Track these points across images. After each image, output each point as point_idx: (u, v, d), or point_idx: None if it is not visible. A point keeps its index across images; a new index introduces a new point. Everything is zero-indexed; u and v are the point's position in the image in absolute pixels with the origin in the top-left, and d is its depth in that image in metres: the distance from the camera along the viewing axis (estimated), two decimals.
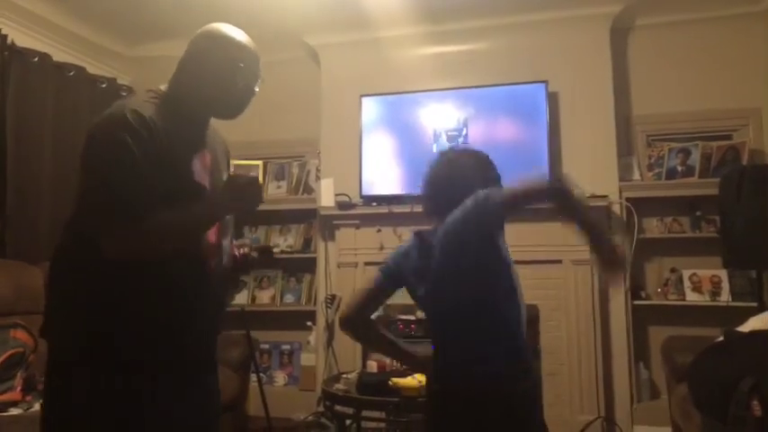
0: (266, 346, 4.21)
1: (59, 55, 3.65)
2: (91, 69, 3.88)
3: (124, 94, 4.00)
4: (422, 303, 1.65)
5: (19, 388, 2.42)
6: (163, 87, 1.43)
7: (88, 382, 1.28)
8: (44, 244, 3.23)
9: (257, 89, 1.46)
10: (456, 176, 1.61)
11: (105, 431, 1.28)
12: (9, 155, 3.19)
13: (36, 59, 3.42)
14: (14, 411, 2.32)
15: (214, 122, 1.52)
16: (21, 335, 2.56)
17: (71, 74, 3.68)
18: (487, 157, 1.67)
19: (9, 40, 3.26)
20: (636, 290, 3.63)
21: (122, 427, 1.28)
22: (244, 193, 1.35)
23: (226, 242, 1.50)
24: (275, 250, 4.18)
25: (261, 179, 1.27)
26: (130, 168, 1.25)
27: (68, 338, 1.32)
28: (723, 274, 3.48)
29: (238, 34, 1.45)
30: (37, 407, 2.34)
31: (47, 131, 3.46)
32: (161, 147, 1.29)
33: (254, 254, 1.61)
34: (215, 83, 1.40)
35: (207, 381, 1.52)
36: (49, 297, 1.38)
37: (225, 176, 1.50)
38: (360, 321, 1.69)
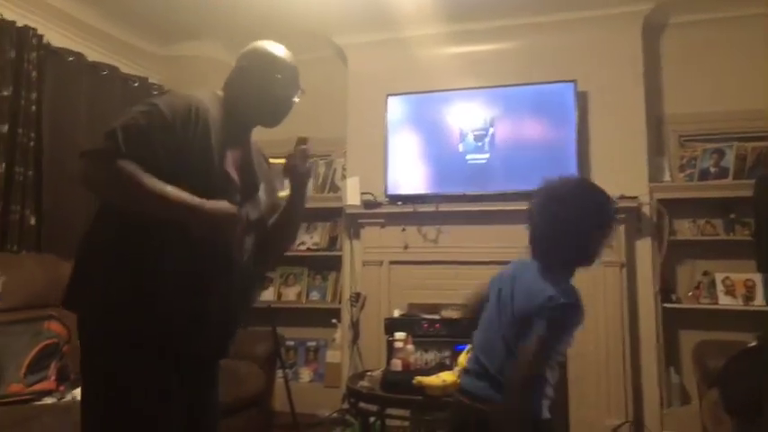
0: (292, 343, 4.25)
1: (93, 55, 3.74)
2: (124, 69, 3.96)
3: (155, 92, 4.07)
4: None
5: (53, 378, 2.49)
6: (219, 92, 1.59)
7: (111, 356, 1.35)
8: (76, 238, 3.30)
9: (297, 99, 1.63)
10: (561, 220, 1.54)
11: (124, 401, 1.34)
12: (45, 152, 3.27)
13: (71, 59, 3.51)
14: (49, 400, 2.38)
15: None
16: (55, 326, 2.63)
17: (105, 73, 3.76)
18: (604, 199, 1.59)
19: (45, 40, 3.35)
20: (667, 293, 3.56)
21: (139, 399, 1.34)
22: (220, 220, 1.36)
23: (249, 240, 1.55)
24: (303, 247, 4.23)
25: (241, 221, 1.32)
26: (151, 126, 1.34)
27: (92, 312, 1.39)
28: (757, 278, 3.38)
29: (278, 50, 1.61)
30: (70, 396, 2.40)
31: (81, 129, 3.54)
32: (202, 136, 1.40)
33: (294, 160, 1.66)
34: (257, 93, 1.56)
35: (214, 371, 1.60)
36: (75, 270, 1.43)
37: (278, 181, 1.66)
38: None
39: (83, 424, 1.36)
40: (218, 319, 1.47)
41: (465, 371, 1.66)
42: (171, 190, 1.32)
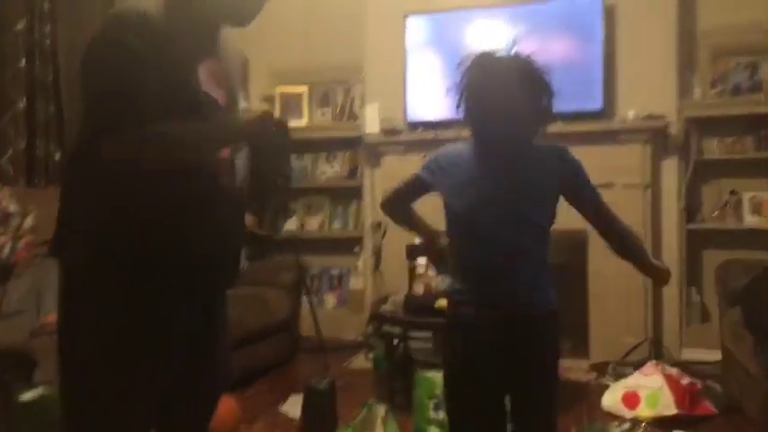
0: (316, 271, 4.34)
1: None
2: None
3: None
4: (465, 216, 1.49)
5: None
6: None
7: (101, 296, 1.23)
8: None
9: None
10: (503, 95, 1.44)
11: (112, 343, 1.22)
12: (63, 85, 3.27)
13: None
14: None
15: (230, 33, 1.38)
16: None
17: None
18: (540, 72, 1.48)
19: None
20: (691, 213, 3.51)
21: (130, 340, 1.22)
22: (268, 130, 1.25)
23: (239, 161, 1.38)
24: (322, 177, 4.22)
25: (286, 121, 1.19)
26: (134, 70, 1.16)
27: (79, 253, 1.26)
28: None
29: None
30: None
31: None
32: (161, 49, 1.17)
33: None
34: None
35: (217, 312, 1.40)
36: (60, 211, 1.30)
37: (240, 93, 1.41)
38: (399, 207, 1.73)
39: (61, 382, 1.25)
40: (217, 236, 1.31)
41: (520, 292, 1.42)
42: (204, 128, 1.22)
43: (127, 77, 1.15)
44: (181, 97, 1.20)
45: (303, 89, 4.27)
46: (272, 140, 1.27)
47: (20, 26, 3.04)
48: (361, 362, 3.52)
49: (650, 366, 2.72)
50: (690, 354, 3.42)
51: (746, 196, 3.43)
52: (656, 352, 3.39)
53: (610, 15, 3.50)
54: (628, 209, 3.41)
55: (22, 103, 3.05)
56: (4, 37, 3.01)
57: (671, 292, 3.47)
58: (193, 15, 1.26)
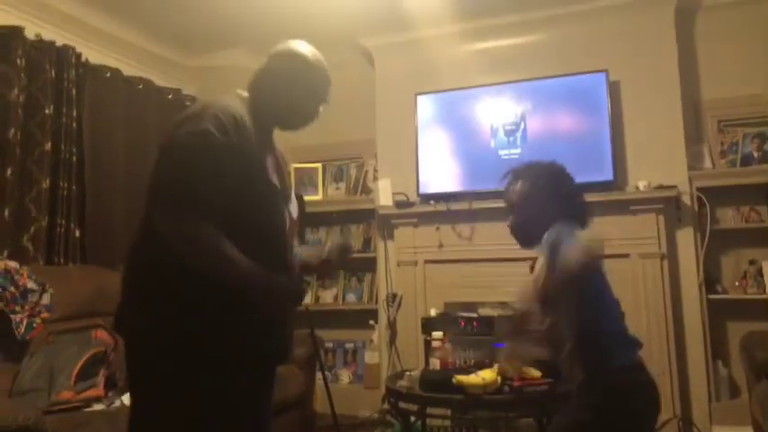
0: (330, 345, 4.28)
1: (128, 69, 3.85)
2: (158, 81, 4.07)
3: (189, 103, 4.17)
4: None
5: (102, 385, 2.56)
6: (243, 93, 1.54)
7: (173, 374, 1.32)
8: (120, 249, 3.41)
9: (321, 110, 1.60)
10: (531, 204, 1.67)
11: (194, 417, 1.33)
12: (87, 165, 3.39)
13: (108, 75, 3.62)
14: (98, 407, 2.45)
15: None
16: (102, 335, 2.71)
17: (140, 87, 3.87)
18: (560, 169, 1.74)
19: (83, 58, 3.47)
20: (711, 284, 3.45)
21: (212, 414, 1.33)
22: (288, 300, 1.47)
23: (297, 248, 1.57)
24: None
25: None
26: (211, 163, 1.31)
27: (147, 333, 1.36)
28: None
29: (312, 54, 1.57)
30: (118, 402, 2.48)
31: (119, 142, 3.65)
32: (248, 143, 1.38)
33: (333, 254, 1.70)
34: (288, 100, 1.53)
35: (273, 374, 1.60)
36: (124, 292, 1.42)
37: (286, 180, 1.59)
38: None
39: None
40: (278, 320, 1.47)
41: (638, 345, 1.61)
42: (244, 267, 1.31)
43: (204, 169, 1.30)
44: (258, 187, 1.40)
45: (317, 165, 4.38)
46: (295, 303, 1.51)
47: (47, 111, 3.19)
48: None
49: None
50: (720, 431, 3.27)
51: (766, 266, 3.37)
52: (686, 430, 3.24)
53: (615, 90, 3.60)
54: (646, 279, 3.38)
55: (45, 183, 3.14)
56: (34, 120, 3.14)
57: (697, 366, 3.36)
58: (268, 120, 1.54)
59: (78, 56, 3.42)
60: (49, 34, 3.31)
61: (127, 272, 1.42)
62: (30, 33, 3.18)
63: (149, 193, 1.36)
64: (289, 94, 1.52)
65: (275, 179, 1.48)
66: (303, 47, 1.57)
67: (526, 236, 1.67)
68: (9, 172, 3.00)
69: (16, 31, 3.08)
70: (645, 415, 1.54)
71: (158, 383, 1.34)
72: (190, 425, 1.32)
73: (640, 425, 1.54)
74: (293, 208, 1.58)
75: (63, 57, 3.31)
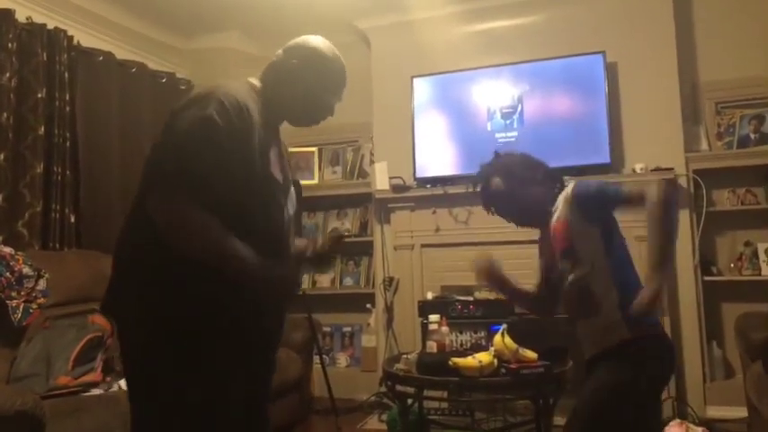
0: (328, 329, 4.30)
1: (121, 53, 3.80)
2: (151, 65, 4.02)
3: (183, 87, 4.13)
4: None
5: (99, 369, 2.57)
6: (256, 82, 1.51)
7: (164, 358, 1.32)
8: (115, 233, 3.39)
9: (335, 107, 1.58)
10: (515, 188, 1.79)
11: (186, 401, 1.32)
12: (80, 150, 3.36)
13: (101, 58, 3.58)
14: (96, 391, 2.46)
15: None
16: (98, 319, 2.71)
17: (133, 70, 3.82)
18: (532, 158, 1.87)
19: (75, 41, 3.42)
20: (706, 266, 3.47)
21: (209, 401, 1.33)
22: (283, 288, 1.45)
23: (292, 239, 1.56)
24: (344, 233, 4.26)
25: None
26: (211, 149, 1.29)
27: (137, 316, 1.35)
28: None
29: (331, 53, 1.54)
30: (116, 387, 2.49)
31: (113, 126, 3.62)
32: (251, 131, 1.36)
33: (326, 245, 1.69)
34: (304, 98, 1.50)
35: (272, 358, 1.62)
36: (114, 274, 1.40)
37: (289, 176, 1.57)
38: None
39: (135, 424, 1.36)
40: (272, 311, 1.50)
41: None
42: (237, 252, 1.30)
43: (202, 151, 1.28)
44: (259, 177, 1.38)
45: (313, 149, 4.36)
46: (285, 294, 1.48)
47: (40, 94, 3.15)
48: (375, 423, 3.44)
49: (675, 426, 2.63)
50: (715, 411, 3.30)
51: (762, 247, 3.39)
52: (681, 410, 3.27)
53: (612, 71, 3.58)
54: (642, 261, 3.37)
55: (39, 168, 3.12)
56: (26, 105, 3.11)
57: (692, 347, 3.39)
58: (280, 113, 1.51)
59: (70, 39, 3.38)
60: (40, 17, 3.26)
61: (117, 253, 1.41)
62: (21, 16, 3.14)
63: (145, 175, 1.35)
64: (306, 90, 1.49)
65: (278, 173, 1.45)
66: (321, 42, 1.54)
67: (534, 220, 1.80)
68: (2, 157, 2.97)
69: (7, 14, 3.04)
70: (667, 379, 1.67)
71: (149, 366, 1.34)
72: (183, 407, 1.31)
73: (663, 387, 1.68)
74: (291, 205, 1.55)
75: (55, 40, 3.27)
